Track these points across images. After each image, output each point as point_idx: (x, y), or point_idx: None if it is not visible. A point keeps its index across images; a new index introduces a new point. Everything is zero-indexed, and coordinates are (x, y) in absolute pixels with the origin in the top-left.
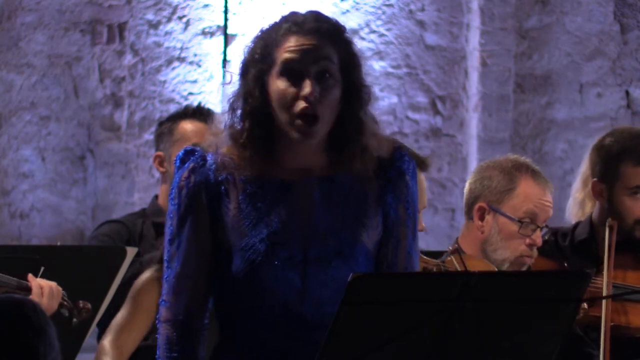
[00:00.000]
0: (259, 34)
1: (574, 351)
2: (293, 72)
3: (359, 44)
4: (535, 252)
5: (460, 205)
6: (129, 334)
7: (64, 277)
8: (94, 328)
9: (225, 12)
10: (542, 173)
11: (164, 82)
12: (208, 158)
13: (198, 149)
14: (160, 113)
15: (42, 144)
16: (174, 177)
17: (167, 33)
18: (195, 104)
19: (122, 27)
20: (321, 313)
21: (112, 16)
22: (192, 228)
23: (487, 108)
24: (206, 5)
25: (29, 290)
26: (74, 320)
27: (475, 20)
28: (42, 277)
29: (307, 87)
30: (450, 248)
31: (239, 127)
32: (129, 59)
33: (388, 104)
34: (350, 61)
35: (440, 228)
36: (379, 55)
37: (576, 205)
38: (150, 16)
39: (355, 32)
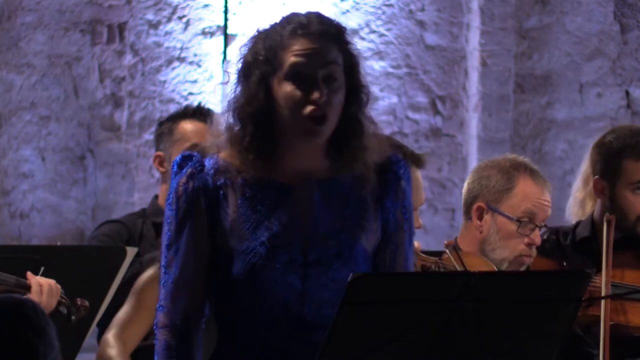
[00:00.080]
0: (259, 34)
1: (574, 351)
2: (301, 75)
3: (359, 44)
4: (534, 252)
5: (460, 205)
6: (133, 330)
7: (64, 277)
8: (94, 328)
9: (225, 12)
10: (541, 172)
11: (164, 82)
12: (206, 163)
13: (196, 153)
14: (160, 113)
15: (42, 144)
16: (171, 182)
17: (167, 33)
18: (195, 104)
19: (122, 27)
20: (321, 314)
21: (112, 16)
22: (190, 233)
23: (487, 108)
24: (206, 5)
25: (28, 288)
26: (73, 318)
27: (475, 20)
28: (42, 276)
29: (316, 92)
30: (446, 242)
31: (239, 129)
32: (129, 59)
33: (388, 104)
34: (351, 62)
35: (440, 228)
36: (379, 55)
37: (576, 204)
38: (150, 16)
39: (355, 32)
